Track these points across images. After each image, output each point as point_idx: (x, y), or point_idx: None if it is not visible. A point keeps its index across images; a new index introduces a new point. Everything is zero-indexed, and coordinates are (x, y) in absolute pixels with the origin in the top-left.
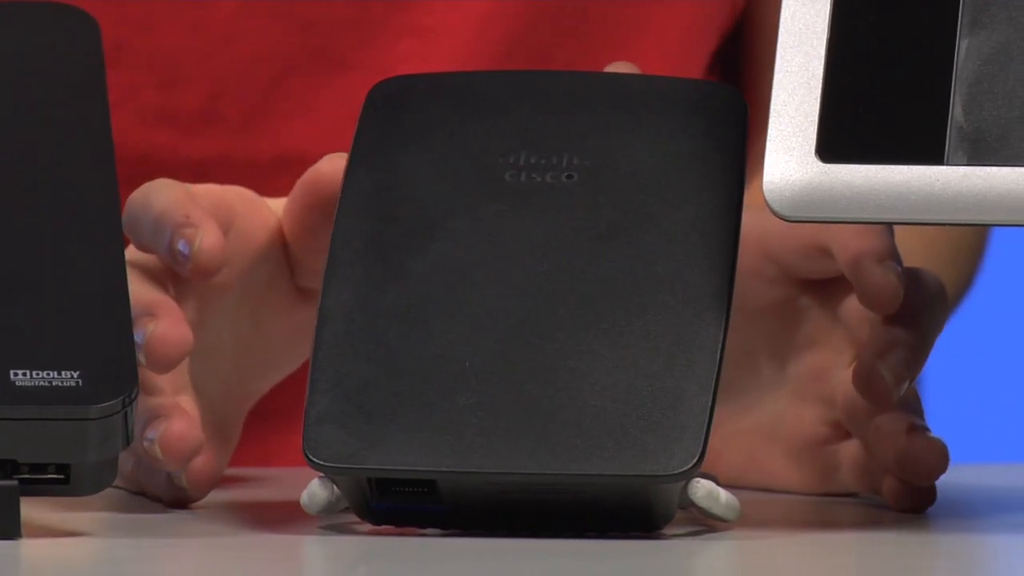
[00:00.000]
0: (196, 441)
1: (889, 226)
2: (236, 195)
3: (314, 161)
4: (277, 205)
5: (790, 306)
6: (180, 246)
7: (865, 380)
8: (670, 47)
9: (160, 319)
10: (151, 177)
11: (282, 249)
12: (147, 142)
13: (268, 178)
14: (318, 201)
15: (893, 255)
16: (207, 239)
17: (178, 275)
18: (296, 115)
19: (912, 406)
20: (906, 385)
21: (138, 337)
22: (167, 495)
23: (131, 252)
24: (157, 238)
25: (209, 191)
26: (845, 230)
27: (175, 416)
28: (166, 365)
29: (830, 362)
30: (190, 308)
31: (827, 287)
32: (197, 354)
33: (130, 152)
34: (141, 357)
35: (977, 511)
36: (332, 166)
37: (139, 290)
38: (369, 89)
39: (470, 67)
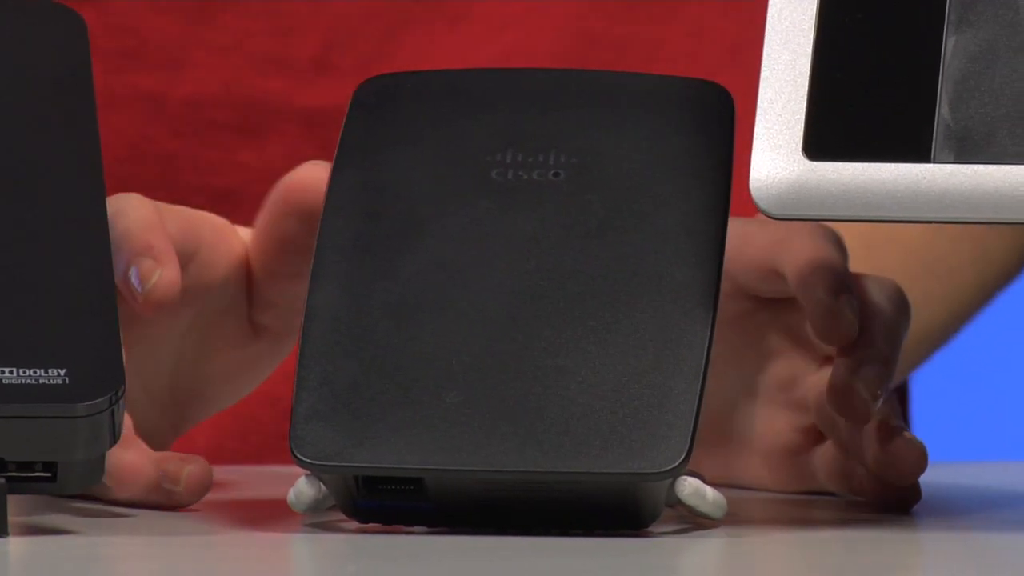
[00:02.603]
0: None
1: (843, 250)
2: (205, 222)
3: None
4: (247, 234)
5: (749, 320)
6: (133, 278)
7: (842, 398)
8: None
9: None
10: (261, 125)
11: (244, 281)
12: (260, 89)
13: None
14: (295, 209)
15: (847, 287)
16: (164, 276)
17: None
18: (411, 68)
19: (889, 406)
20: (882, 400)
21: None
22: (150, 499)
23: None
24: (113, 259)
25: (179, 215)
26: (798, 256)
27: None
28: None
29: (797, 369)
30: (136, 325)
31: (785, 303)
32: (135, 372)
33: (241, 99)
34: None
35: (960, 509)
36: (312, 174)
37: None
38: (478, 44)
39: (592, 24)
